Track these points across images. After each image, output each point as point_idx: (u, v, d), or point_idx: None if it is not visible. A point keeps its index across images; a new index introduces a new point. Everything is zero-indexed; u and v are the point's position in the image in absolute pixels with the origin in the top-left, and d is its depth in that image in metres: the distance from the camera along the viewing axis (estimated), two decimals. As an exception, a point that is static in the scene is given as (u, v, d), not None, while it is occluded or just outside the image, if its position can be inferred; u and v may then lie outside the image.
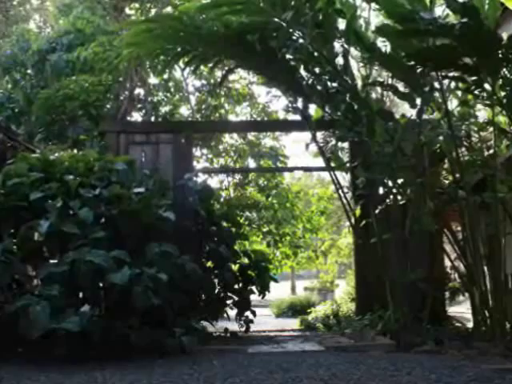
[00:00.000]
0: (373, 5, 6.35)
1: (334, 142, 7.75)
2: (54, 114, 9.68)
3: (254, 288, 7.56)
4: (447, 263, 7.75)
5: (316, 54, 6.36)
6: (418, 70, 5.80)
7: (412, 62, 5.74)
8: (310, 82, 6.77)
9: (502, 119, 6.44)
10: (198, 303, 7.10)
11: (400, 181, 6.61)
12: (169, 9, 12.62)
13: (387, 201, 6.89)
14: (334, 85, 6.59)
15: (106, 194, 5.90)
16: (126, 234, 5.85)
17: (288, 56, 6.66)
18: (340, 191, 7.42)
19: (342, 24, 6.21)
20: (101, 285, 5.43)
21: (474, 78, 5.68)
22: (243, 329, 7.52)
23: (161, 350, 5.30)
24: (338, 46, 6.38)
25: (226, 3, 6.29)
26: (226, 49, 6.91)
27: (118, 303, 5.33)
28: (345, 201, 7.40)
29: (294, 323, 10.36)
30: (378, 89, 7.30)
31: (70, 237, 5.42)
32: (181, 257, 6.06)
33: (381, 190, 7.13)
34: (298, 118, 7.85)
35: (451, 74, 5.98)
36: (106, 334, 5.05)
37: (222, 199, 12.12)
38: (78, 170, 6.23)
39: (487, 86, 5.69)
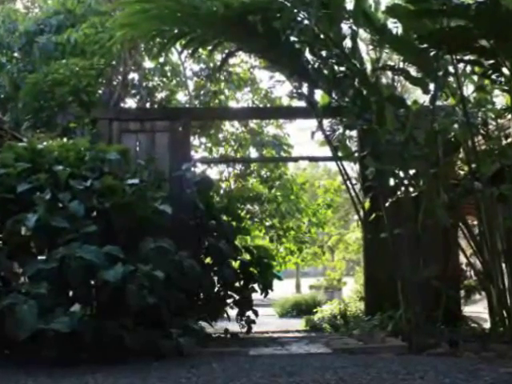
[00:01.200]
0: (383, -17, 6.33)
1: (341, 130, 7.73)
2: (43, 100, 9.66)
3: (256, 286, 7.58)
4: (462, 260, 7.75)
5: (322, 36, 6.33)
6: (432, 54, 5.77)
7: (425, 45, 5.71)
8: (315, 65, 6.74)
9: (520, 105, 6.42)
10: (197, 302, 7.12)
11: (412, 171, 6.60)
12: (165, -12, 12.55)
13: (398, 193, 6.86)
14: (342, 69, 6.56)
15: (98, 186, 5.90)
16: (119, 228, 5.86)
17: (292, 38, 6.62)
18: (348, 183, 7.39)
19: (349, 4, 6.18)
20: (92, 282, 5.45)
21: (490, 61, 5.66)
22: (244, 330, 7.54)
23: (156, 352, 5.31)
24: (345, 27, 6.35)
25: (226, -19, 6.26)
26: (226, 30, 6.87)
27: (111, 302, 5.33)
28: (353, 193, 7.36)
29: (298, 324, 10.35)
30: (389, 73, 7.28)
31: (60, 231, 5.43)
32: (178, 253, 6.07)
33: (391, 182, 7.12)
34: (302, 104, 7.81)
35: (467, 58, 5.95)
36: (98, 335, 5.06)
37: (221, 191, 12.09)
38: (67, 160, 6.23)
39: (505, 71, 5.67)
